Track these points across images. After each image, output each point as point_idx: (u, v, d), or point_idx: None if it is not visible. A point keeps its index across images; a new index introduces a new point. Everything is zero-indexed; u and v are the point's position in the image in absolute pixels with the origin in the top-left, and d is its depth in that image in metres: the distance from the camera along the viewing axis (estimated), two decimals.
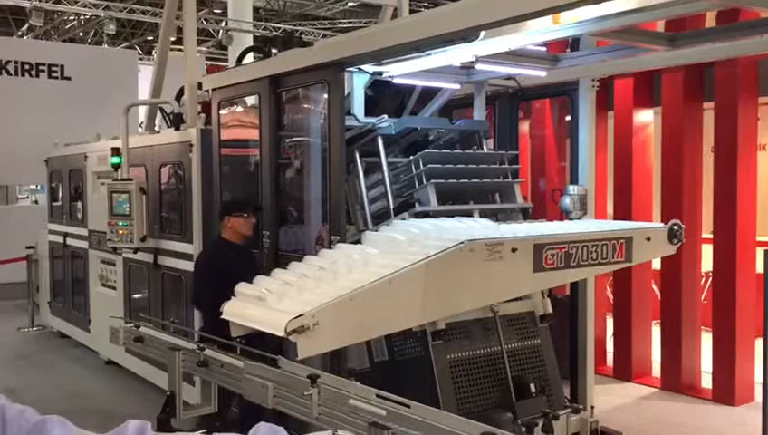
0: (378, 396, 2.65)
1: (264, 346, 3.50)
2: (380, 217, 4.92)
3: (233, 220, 5.10)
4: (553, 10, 3.40)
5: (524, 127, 7.90)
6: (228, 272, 4.34)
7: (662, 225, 4.49)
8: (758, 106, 6.81)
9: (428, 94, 5.76)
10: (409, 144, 5.52)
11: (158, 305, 6.71)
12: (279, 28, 18.08)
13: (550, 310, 4.84)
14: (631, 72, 6.68)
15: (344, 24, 21.13)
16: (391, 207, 4.89)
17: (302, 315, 3.17)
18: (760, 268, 5.18)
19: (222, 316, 3.57)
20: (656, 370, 7.13)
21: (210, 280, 4.88)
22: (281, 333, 3.19)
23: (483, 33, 3.75)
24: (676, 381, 6.79)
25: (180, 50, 7.31)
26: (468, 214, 4.86)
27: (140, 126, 10.39)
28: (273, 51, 5.32)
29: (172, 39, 8.42)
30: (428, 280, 3.49)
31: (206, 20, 19.56)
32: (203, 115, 5.98)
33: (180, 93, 6.64)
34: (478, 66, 4.81)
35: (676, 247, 4.51)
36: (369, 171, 5.16)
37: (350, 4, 19.68)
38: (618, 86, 7.28)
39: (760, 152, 8.92)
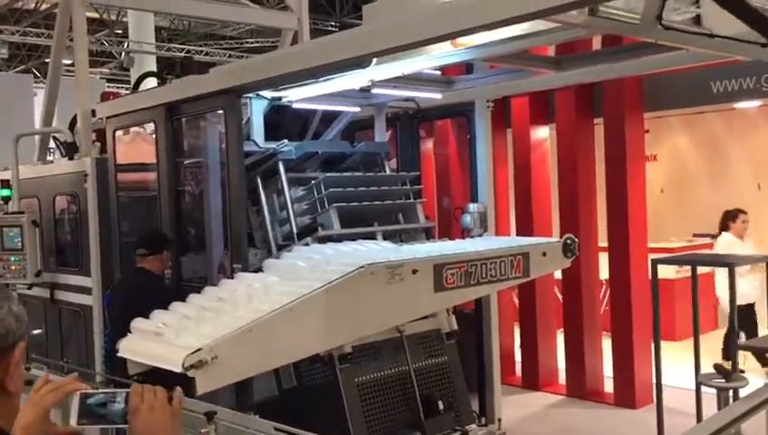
0: (276, 429, 2.63)
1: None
2: (288, 240, 4.89)
3: (167, 253, 4.99)
4: (444, 38, 3.48)
5: (429, 146, 8.05)
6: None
7: (556, 240, 4.67)
8: (644, 120, 7.20)
9: (331, 116, 5.80)
10: (323, 161, 5.48)
11: (57, 342, 6.43)
12: (183, 49, 17.74)
13: (455, 327, 4.92)
14: (526, 92, 6.93)
15: (251, 43, 20.92)
16: (294, 231, 4.87)
17: (199, 350, 3.12)
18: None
19: (118, 353, 3.46)
20: (562, 377, 7.37)
21: None
22: (178, 369, 3.11)
23: (375, 60, 3.82)
24: (581, 387, 7.02)
25: None
26: (372, 236, 4.90)
27: None
28: (168, 77, 5.22)
29: (68, 62, 8.11)
30: (330, 306, 3.50)
31: (106, 41, 18.98)
32: (98, 144, 5.80)
33: (74, 122, 6.41)
34: (375, 90, 4.89)
35: (570, 260, 4.70)
36: (276, 194, 5.12)
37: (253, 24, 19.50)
38: (514, 104, 7.54)
39: (651, 163, 9.46)
